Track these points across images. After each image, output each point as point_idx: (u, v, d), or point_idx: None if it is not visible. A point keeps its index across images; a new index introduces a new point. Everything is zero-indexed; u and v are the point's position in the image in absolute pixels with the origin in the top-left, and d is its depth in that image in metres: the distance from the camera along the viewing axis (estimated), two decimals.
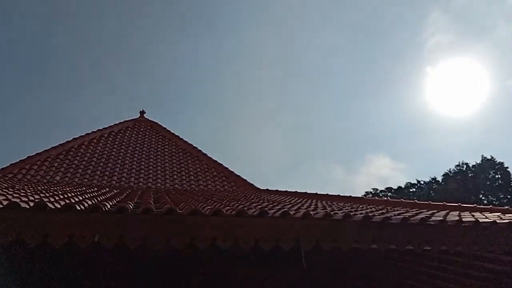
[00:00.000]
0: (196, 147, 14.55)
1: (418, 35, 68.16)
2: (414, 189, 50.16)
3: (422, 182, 50.46)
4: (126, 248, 3.56)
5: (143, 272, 6.79)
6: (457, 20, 65.84)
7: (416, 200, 7.34)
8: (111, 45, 58.70)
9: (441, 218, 4.33)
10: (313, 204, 6.40)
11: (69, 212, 3.51)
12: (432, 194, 45.02)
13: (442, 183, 47.86)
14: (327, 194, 8.98)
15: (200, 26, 60.57)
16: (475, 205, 6.19)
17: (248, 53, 66.12)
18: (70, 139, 13.05)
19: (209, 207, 4.47)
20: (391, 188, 51.24)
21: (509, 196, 43.22)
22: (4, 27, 48.15)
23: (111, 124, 15.02)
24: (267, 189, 11.52)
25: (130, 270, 6.78)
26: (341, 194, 8.90)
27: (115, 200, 5.01)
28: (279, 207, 4.96)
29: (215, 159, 13.90)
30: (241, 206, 4.79)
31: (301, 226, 3.82)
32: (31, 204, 3.64)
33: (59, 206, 3.64)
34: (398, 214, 4.54)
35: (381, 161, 71.97)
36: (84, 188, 7.78)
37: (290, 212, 3.97)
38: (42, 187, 7.14)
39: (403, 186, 51.10)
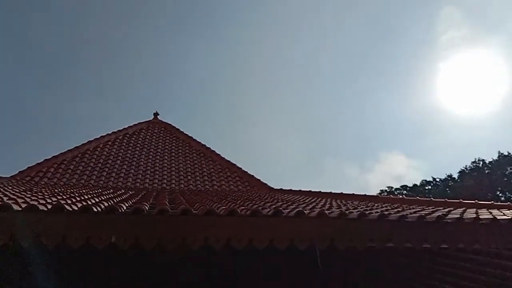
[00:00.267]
0: (210, 148, 14.61)
1: (430, 31, 67.41)
2: (429, 187, 49.60)
3: (437, 180, 49.86)
4: (142, 249, 3.60)
5: (158, 273, 6.84)
6: (470, 15, 64.97)
7: (431, 198, 7.27)
8: (125, 47, 59.25)
9: (458, 216, 4.28)
10: (328, 203, 6.38)
11: (86, 214, 3.56)
12: (448, 191, 44.44)
13: (458, 180, 47.19)
14: (341, 193, 8.93)
15: (213, 27, 60.75)
16: (492, 202, 6.10)
17: (260, 53, 66.08)
18: (86, 141, 13.23)
19: (224, 207, 4.49)
20: (406, 186, 50.77)
21: None
22: (17, 29, 48.95)
23: (126, 126, 15.18)
24: (281, 189, 11.51)
25: (146, 271, 6.84)
26: (355, 193, 8.87)
27: (131, 202, 5.06)
28: (294, 206, 4.96)
29: (228, 159, 13.94)
30: (256, 206, 4.81)
31: (316, 225, 3.82)
32: (49, 206, 3.71)
33: (76, 208, 3.70)
34: (414, 212, 4.50)
35: (395, 159, 71.26)
36: (100, 190, 7.88)
37: (305, 212, 3.96)
38: (59, 190, 7.25)
39: (418, 183, 50.56)
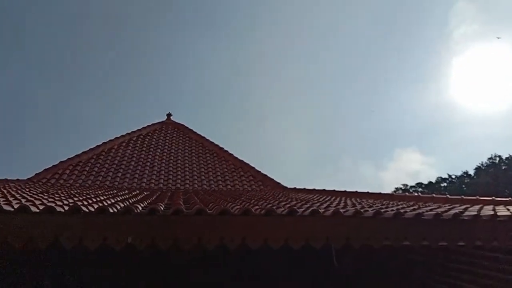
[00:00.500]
0: (222, 148, 14.64)
1: (443, 26, 66.62)
2: (445, 184, 48.95)
3: (453, 176, 49.17)
4: (158, 249, 3.63)
5: (174, 273, 6.88)
6: (483, 10, 63.94)
7: (447, 195, 7.18)
8: (137, 48, 59.73)
9: (475, 213, 4.23)
10: (342, 202, 6.34)
11: (103, 215, 3.61)
12: (464, 188, 43.84)
13: (474, 177, 46.51)
14: (356, 191, 8.87)
15: (226, 27, 60.87)
16: (509, 198, 6.00)
17: (272, 52, 66.01)
18: (100, 143, 13.38)
19: (238, 207, 4.50)
20: (421, 183, 50.18)
21: None
22: (33, 33, 49.71)
23: (139, 128, 15.31)
24: (295, 188, 11.49)
25: (162, 272, 6.89)
26: (370, 191, 8.80)
27: (146, 202, 5.10)
28: (308, 205, 4.95)
29: (241, 159, 13.96)
30: (270, 205, 4.81)
31: (331, 224, 3.81)
32: (66, 208, 3.76)
33: (93, 210, 3.74)
34: (430, 210, 4.46)
35: (410, 156, 70.60)
36: (116, 191, 7.96)
37: (320, 211, 3.96)
38: (75, 191, 7.34)
39: (433, 181, 49.92)
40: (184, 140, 15.11)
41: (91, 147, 13.02)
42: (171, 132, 15.74)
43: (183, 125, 16.52)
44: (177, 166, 12.56)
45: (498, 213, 4.22)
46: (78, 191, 7.56)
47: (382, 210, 4.11)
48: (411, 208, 4.94)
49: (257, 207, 4.59)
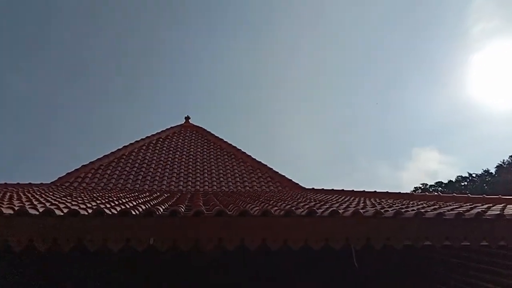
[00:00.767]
0: (240, 149, 14.71)
1: (461, 23, 65.42)
2: (465, 183, 48.01)
3: (474, 175, 48.20)
4: (180, 251, 3.69)
5: (194, 274, 6.94)
6: (502, 5, 62.50)
7: (469, 194, 7.07)
8: (155, 53, 60.36)
9: (498, 212, 4.16)
10: (362, 202, 6.31)
11: (125, 217, 3.67)
12: (485, 187, 42.93)
13: (496, 175, 45.49)
14: (375, 191, 8.81)
15: (244, 31, 61.02)
16: None
17: (288, 52, 65.90)
18: (121, 147, 13.61)
19: (257, 208, 4.52)
20: (441, 182, 49.34)
21: None
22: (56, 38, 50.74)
23: (159, 131, 15.52)
24: (313, 188, 11.46)
25: (183, 273, 6.96)
26: (389, 191, 8.72)
27: (167, 204, 5.17)
28: (327, 206, 4.94)
29: (259, 160, 13.99)
30: (289, 206, 4.81)
31: (351, 225, 3.80)
32: (90, 211, 3.84)
33: (115, 212, 3.81)
34: (452, 210, 4.41)
35: (428, 155, 69.45)
36: (137, 194, 8.07)
37: (339, 211, 3.95)
38: (98, 194, 7.48)
39: (453, 179, 49.03)
40: (202, 143, 15.24)
41: (112, 150, 13.26)
42: (189, 135, 15.90)
43: (201, 127, 16.67)
44: (196, 168, 12.67)
45: None
46: (100, 194, 7.70)
47: (403, 210, 4.08)
48: (432, 207, 4.89)
49: (276, 208, 4.61)
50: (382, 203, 5.91)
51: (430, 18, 66.39)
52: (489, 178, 46.21)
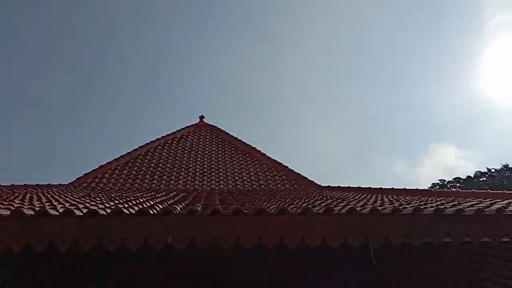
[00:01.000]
0: (255, 148, 14.72)
1: (476, 16, 64.18)
2: (484, 178, 47.15)
3: (493, 170, 47.29)
4: (197, 249, 3.70)
5: (211, 272, 6.97)
6: None
7: (488, 190, 6.95)
8: (167, 52, 60.77)
9: None
10: (379, 199, 6.25)
11: (144, 216, 3.71)
12: (505, 182, 42.15)
13: None
14: (392, 188, 8.73)
15: (258, 29, 61.02)
16: None
17: (300, 48, 65.67)
18: (137, 147, 13.75)
19: (274, 206, 4.52)
20: (459, 178, 48.56)
21: None
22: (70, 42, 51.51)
23: (174, 131, 15.64)
24: (329, 186, 11.40)
25: (200, 272, 6.99)
26: (406, 188, 8.63)
27: (184, 203, 5.20)
28: (344, 203, 4.91)
29: (274, 158, 13.98)
30: (305, 204, 4.80)
31: (369, 222, 3.77)
32: (108, 211, 3.89)
33: (133, 212, 3.85)
34: (471, 206, 4.34)
35: (446, 150, 68.40)
36: (154, 193, 8.14)
37: (357, 209, 3.92)
38: (115, 194, 7.56)
39: (472, 175, 48.21)
40: (217, 142, 15.31)
41: (129, 150, 13.41)
42: (204, 134, 15.98)
43: (215, 126, 16.74)
44: (211, 167, 12.73)
45: None
46: (118, 194, 7.78)
47: (421, 207, 4.04)
48: (451, 204, 4.82)
49: (293, 206, 4.60)
50: (400, 200, 5.84)
51: (445, 12, 65.37)
52: (509, 173, 45.35)
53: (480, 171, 48.42)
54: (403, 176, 64.52)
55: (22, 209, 3.71)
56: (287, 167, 13.34)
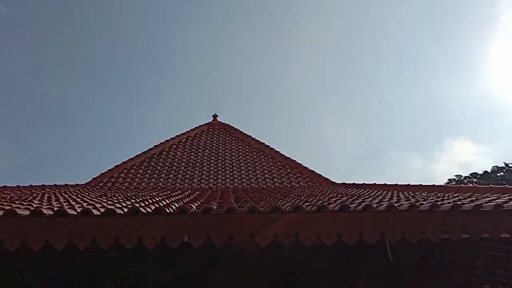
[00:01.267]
0: (269, 146, 14.70)
1: (490, 9, 63.02)
2: (502, 173, 46.38)
3: (510, 165, 46.54)
4: (213, 247, 3.73)
5: (226, 270, 6.99)
6: None
7: (506, 185, 6.83)
8: (180, 52, 61.06)
9: None
10: (395, 195, 6.20)
11: (160, 215, 3.75)
12: None
13: None
14: (408, 184, 8.64)
15: (269, 25, 60.89)
16: None
17: (315, 44, 65.35)
18: (152, 146, 13.86)
19: (289, 204, 4.53)
20: (476, 173, 47.84)
21: None
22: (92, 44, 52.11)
23: (188, 130, 15.71)
24: (343, 183, 11.34)
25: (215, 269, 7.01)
26: (422, 184, 8.54)
27: (199, 202, 5.24)
28: (360, 200, 4.89)
29: (287, 156, 13.95)
30: (321, 201, 4.79)
31: (385, 219, 3.75)
32: (125, 210, 3.94)
33: (150, 210, 3.89)
34: (489, 201, 4.28)
35: (462, 146, 67.43)
36: (169, 192, 8.20)
37: (373, 205, 3.90)
38: (131, 193, 7.64)
39: (489, 170, 47.48)
40: (230, 140, 15.34)
41: (144, 150, 13.53)
42: (218, 133, 16.03)
43: (229, 125, 16.78)
44: (225, 166, 12.77)
45: None
46: (134, 193, 7.87)
47: (439, 203, 3.99)
48: (469, 199, 4.76)
49: (308, 203, 4.60)
50: (416, 197, 5.79)
51: (460, 6, 64.32)
52: None
53: (497, 166, 47.65)
54: (419, 172, 63.87)
55: (41, 209, 3.78)
56: (301, 164, 13.28)
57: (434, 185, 8.24)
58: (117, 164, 12.38)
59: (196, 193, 7.70)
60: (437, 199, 4.97)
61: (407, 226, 3.69)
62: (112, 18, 53.13)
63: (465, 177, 47.84)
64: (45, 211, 3.72)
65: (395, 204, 3.94)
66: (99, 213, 3.80)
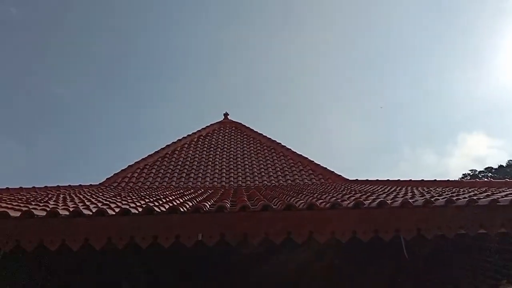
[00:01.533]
0: (280, 143, 14.70)
1: (504, 1, 61.95)
2: None
3: None
4: (227, 245, 3.74)
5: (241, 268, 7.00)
6: None
7: None
8: (192, 51, 61.23)
9: None
10: (409, 191, 6.15)
11: (174, 214, 3.76)
12: None
13: None
14: (422, 180, 8.57)
15: (287, 25, 60.63)
16: None
17: (325, 41, 64.95)
18: (164, 146, 13.95)
19: (302, 201, 4.51)
20: (490, 167, 47.33)
21: None
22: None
23: (199, 129, 15.80)
24: (356, 180, 11.28)
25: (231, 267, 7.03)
26: (437, 179, 8.46)
27: (213, 200, 5.25)
28: (374, 197, 4.86)
29: (299, 153, 13.92)
30: (334, 198, 4.77)
31: (400, 215, 3.72)
32: (140, 209, 3.97)
33: (164, 209, 3.92)
34: (505, 196, 4.22)
35: (475, 140, 66.54)
36: (182, 191, 8.24)
37: (387, 202, 3.87)
38: (145, 193, 7.70)
39: (504, 164, 46.90)
40: (242, 138, 15.37)
41: (156, 150, 13.62)
42: (229, 131, 16.08)
43: (240, 123, 16.82)
44: (237, 164, 12.79)
45: None
46: (148, 192, 7.92)
47: (454, 198, 3.95)
48: (484, 194, 4.70)
49: (321, 200, 4.58)
50: (431, 192, 5.74)
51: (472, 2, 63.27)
52: None
53: None
54: (432, 168, 63.20)
55: (57, 209, 3.82)
56: (313, 161, 13.25)
57: (448, 180, 8.17)
58: (131, 164, 12.51)
59: (209, 192, 7.72)
60: (452, 194, 4.92)
61: (423, 222, 3.66)
62: (124, 19, 53.47)
63: (480, 172, 47.34)
64: (61, 212, 3.77)
65: (410, 200, 3.90)
66: (114, 213, 3.83)
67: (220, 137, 15.44)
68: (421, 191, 6.27)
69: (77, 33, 52.22)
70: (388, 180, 9.48)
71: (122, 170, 12.14)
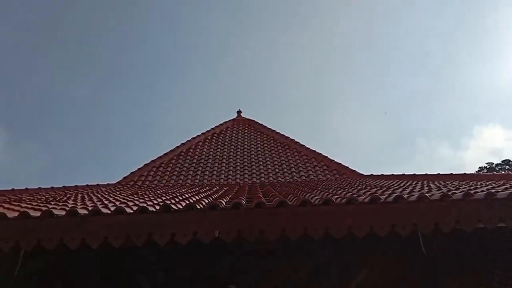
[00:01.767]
0: (294, 139, 14.69)
1: None
2: None
3: None
4: (244, 242, 3.76)
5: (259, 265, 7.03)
6: None
7: None
8: (202, 49, 61.43)
9: None
10: (426, 185, 6.10)
11: (191, 211, 3.81)
12: None
13: None
14: (438, 173, 8.49)
15: (296, 21, 60.48)
16: None
17: (339, 35, 64.56)
18: (179, 144, 14.08)
19: (318, 197, 4.52)
20: (508, 160, 46.38)
21: None
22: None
23: (213, 126, 15.88)
24: (371, 175, 11.22)
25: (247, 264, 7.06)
26: (453, 173, 8.38)
27: (228, 197, 5.29)
28: (390, 191, 4.84)
29: (313, 149, 13.90)
30: (350, 193, 4.76)
31: (417, 209, 3.70)
32: (157, 207, 4.02)
33: (181, 207, 3.96)
34: None
35: (492, 132, 65.37)
36: (198, 188, 8.31)
37: (404, 196, 3.86)
38: (162, 191, 7.78)
39: None
40: (255, 135, 15.41)
41: (171, 148, 13.76)
42: (242, 128, 16.14)
43: (253, 120, 16.86)
44: (251, 161, 12.83)
45: None
46: (164, 190, 8.00)
47: (472, 192, 3.91)
48: (503, 187, 4.64)
49: (337, 196, 4.58)
50: (448, 186, 5.69)
51: None
52: None
53: None
54: (448, 160, 62.40)
55: (76, 209, 3.89)
56: (327, 157, 13.22)
57: (465, 173, 8.08)
58: (146, 162, 12.65)
59: (224, 189, 7.76)
60: (470, 187, 4.87)
61: (440, 216, 3.63)
62: (142, 19, 53.93)
63: (497, 165, 46.49)
64: (80, 211, 3.83)
65: (427, 194, 3.88)
66: (132, 211, 3.89)
67: (234, 134, 15.51)
68: (438, 185, 6.22)
69: (97, 34, 52.70)
70: (403, 174, 9.42)
71: (138, 168, 12.29)
